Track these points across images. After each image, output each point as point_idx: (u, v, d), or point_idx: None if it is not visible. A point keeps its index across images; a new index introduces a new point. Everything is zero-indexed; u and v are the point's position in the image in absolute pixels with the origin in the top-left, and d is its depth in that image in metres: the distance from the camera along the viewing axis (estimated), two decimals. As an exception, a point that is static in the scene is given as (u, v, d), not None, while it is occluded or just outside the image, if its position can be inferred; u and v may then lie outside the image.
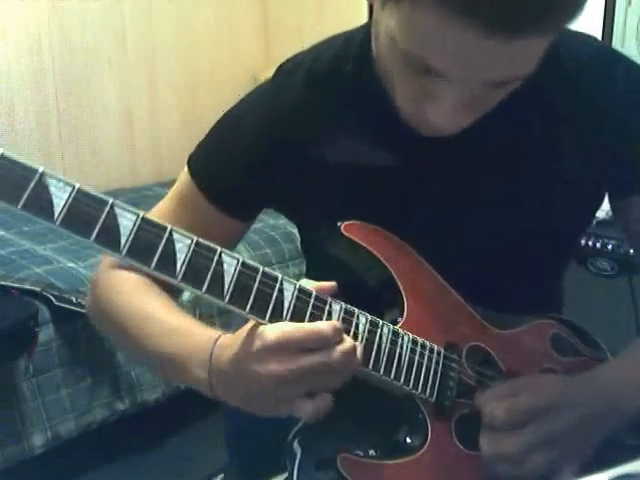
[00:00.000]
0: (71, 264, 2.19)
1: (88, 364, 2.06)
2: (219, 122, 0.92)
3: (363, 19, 2.93)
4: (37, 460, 1.95)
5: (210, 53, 3.33)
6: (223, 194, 0.90)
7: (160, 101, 3.21)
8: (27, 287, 1.96)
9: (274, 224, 2.51)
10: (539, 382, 0.82)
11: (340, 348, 0.68)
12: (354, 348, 0.70)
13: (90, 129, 3.02)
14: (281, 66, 0.90)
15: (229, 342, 0.72)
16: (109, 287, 0.89)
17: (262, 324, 0.69)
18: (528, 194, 0.87)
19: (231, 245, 0.92)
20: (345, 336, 0.70)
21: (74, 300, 1.94)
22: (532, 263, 0.91)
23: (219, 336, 0.74)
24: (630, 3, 2.33)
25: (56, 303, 1.93)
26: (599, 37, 2.33)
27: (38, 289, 1.95)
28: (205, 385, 0.74)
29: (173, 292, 0.86)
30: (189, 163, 0.92)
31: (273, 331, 0.67)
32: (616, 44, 2.33)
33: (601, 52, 0.88)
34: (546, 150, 0.86)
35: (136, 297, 0.84)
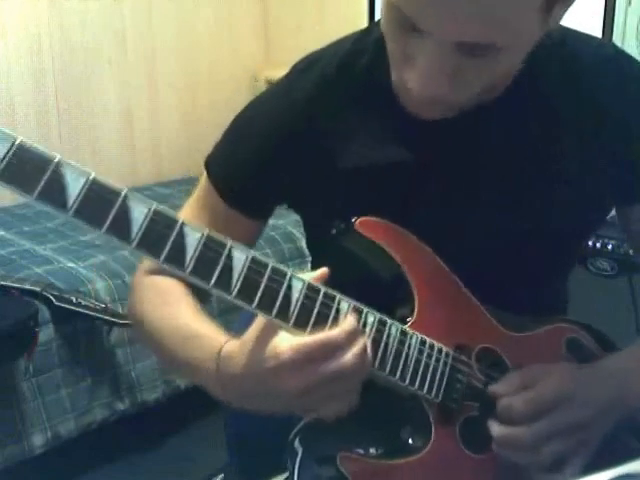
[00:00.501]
0: (71, 264, 2.19)
1: (88, 364, 2.06)
2: (234, 122, 0.93)
3: (363, 19, 2.93)
4: (37, 460, 1.95)
5: (210, 53, 3.32)
6: (238, 195, 0.91)
7: (160, 101, 3.21)
8: (27, 287, 1.96)
9: (274, 224, 2.50)
10: (552, 372, 0.81)
11: (353, 351, 0.69)
12: (366, 348, 0.70)
13: (90, 129, 3.01)
14: (295, 65, 0.91)
15: (237, 350, 0.73)
16: (141, 296, 0.91)
17: (271, 323, 0.69)
18: (528, 194, 0.86)
19: (250, 244, 0.93)
20: (357, 337, 0.70)
21: (74, 300, 1.95)
22: (533, 264, 0.90)
23: (225, 342, 0.75)
24: (630, 3, 2.32)
25: (56, 303, 1.93)
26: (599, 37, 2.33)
27: (38, 289, 1.95)
28: (216, 391, 0.75)
29: (201, 295, 0.88)
30: (206, 165, 0.93)
31: (286, 348, 0.68)
32: (616, 44, 2.33)
33: (602, 51, 0.88)
34: (546, 150, 0.86)
35: (164, 308, 0.86)
